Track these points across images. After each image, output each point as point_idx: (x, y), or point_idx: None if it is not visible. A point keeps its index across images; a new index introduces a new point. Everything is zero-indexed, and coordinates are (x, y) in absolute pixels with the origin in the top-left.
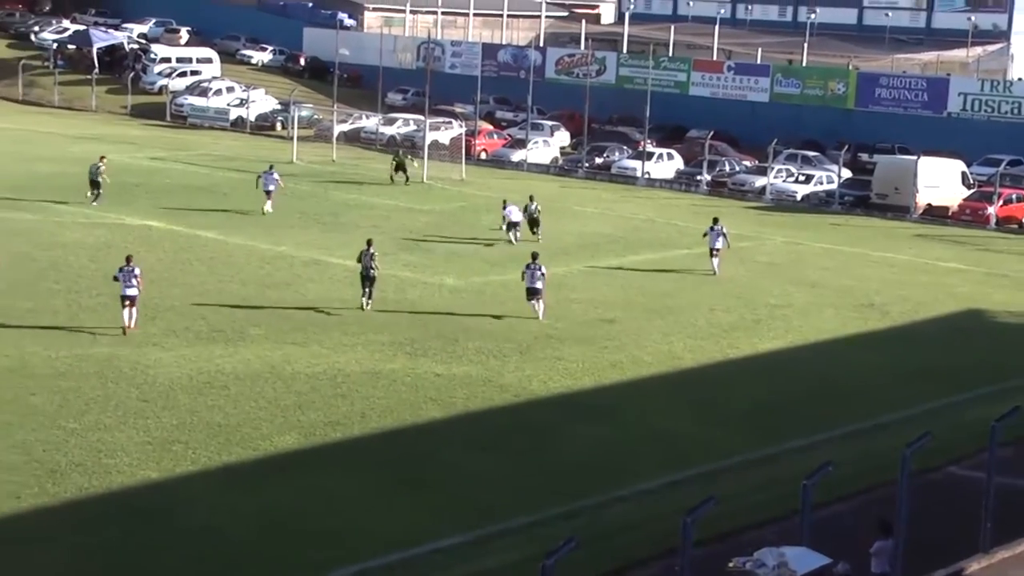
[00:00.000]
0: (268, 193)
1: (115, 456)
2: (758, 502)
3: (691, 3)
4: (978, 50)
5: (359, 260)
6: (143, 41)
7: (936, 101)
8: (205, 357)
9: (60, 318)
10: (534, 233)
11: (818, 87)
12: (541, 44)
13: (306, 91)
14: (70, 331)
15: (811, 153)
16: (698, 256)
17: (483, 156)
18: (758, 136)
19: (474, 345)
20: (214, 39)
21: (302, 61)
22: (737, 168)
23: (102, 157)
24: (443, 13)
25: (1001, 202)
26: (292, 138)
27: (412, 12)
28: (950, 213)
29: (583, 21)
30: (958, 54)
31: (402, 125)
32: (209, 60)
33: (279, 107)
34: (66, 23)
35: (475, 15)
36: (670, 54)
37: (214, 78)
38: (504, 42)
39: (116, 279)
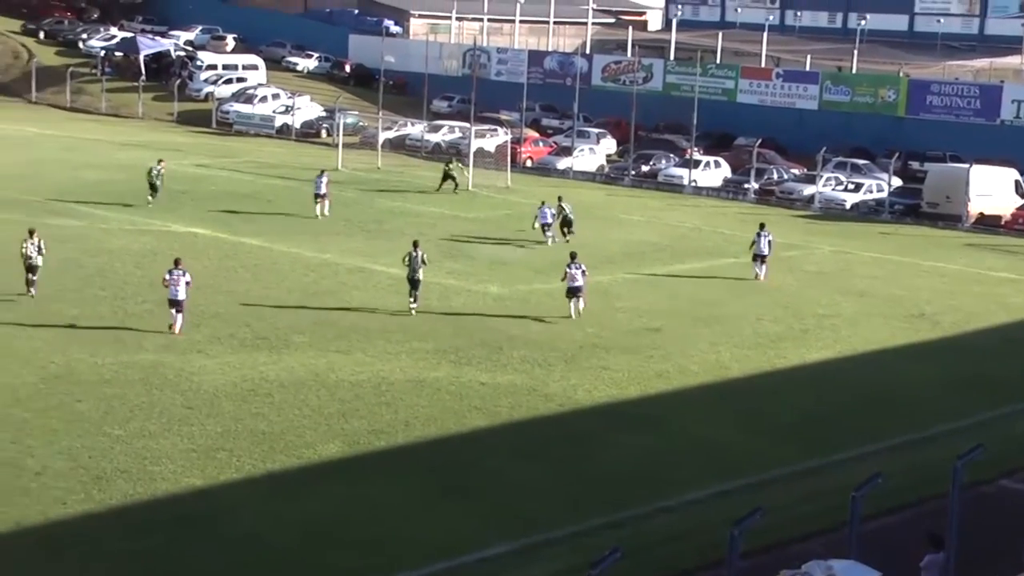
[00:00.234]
0: (318, 196)
1: (160, 463)
2: (805, 514)
3: (739, 10)
4: None
5: (406, 262)
6: (190, 48)
7: (989, 108)
8: (249, 364)
9: (106, 324)
10: (564, 234)
11: (868, 94)
12: (587, 51)
13: (351, 98)
14: (116, 338)
15: (861, 161)
16: (745, 265)
17: (528, 164)
18: (807, 144)
19: (519, 354)
20: (260, 46)
21: (347, 68)
22: (785, 176)
23: (160, 160)
24: (489, 20)
25: None
26: (337, 145)
27: (458, 19)
28: (1003, 222)
29: (630, 28)
30: (1011, 61)
31: (447, 132)
32: (255, 67)
33: (324, 114)
34: (114, 30)
35: (521, 22)
36: (718, 61)
37: (260, 85)
38: (550, 49)
39: (165, 284)
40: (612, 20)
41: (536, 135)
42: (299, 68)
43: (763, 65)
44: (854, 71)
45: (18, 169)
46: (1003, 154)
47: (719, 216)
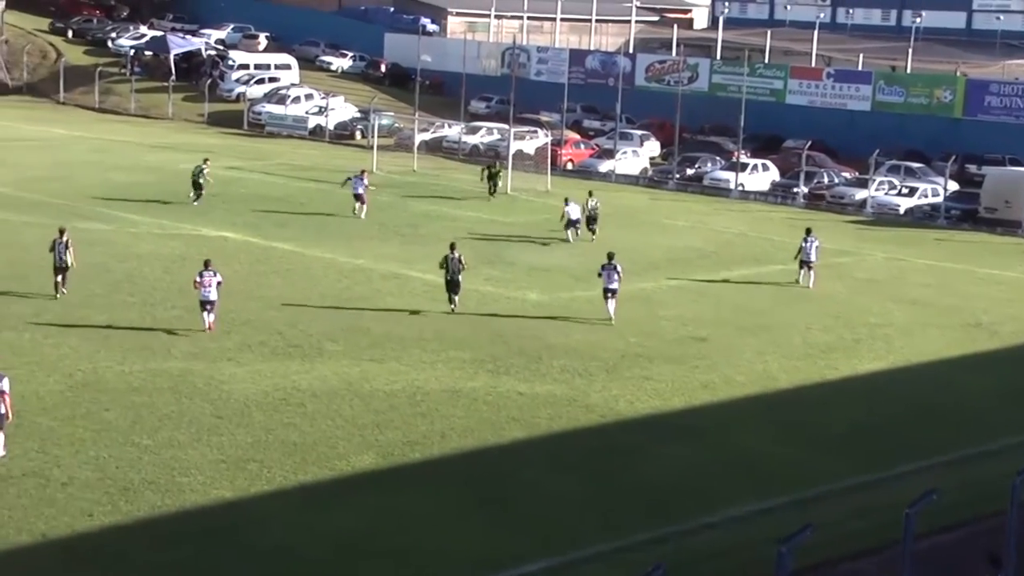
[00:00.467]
0: (357, 197)
1: (189, 474)
2: (856, 531)
3: (788, 7)
4: None
5: (442, 265)
6: (221, 47)
7: None
8: (281, 373)
9: (134, 331)
10: (590, 231)
11: (923, 95)
12: (631, 50)
13: (387, 99)
14: (144, 345)
15: (915, 164)
16: (794, 272)
17: (569, 167)
18: (859, 146)
19: (558, 363)
20: (293, 45)
21: (383, 68)
22: (836, 180)
23: (206, 159)
24: (529, 18)
25: None
26: (372, 147)
27: (497, 17)
28: None
29: (675, 26)
30: None
31: (485, 134)
32: (288, 67)
33: (359, 115)
34: (143, 29)
35: (562, 20)
36: (766, 60)
37: (292, 85)
38: (592, 48)
39: (196, 283)
40: (656, 18)
41: (577, 137)
42: (333, 68)
43: (813, 65)
44: (908, 71)
45: (46, 171)
46: None
47: (766, 221)
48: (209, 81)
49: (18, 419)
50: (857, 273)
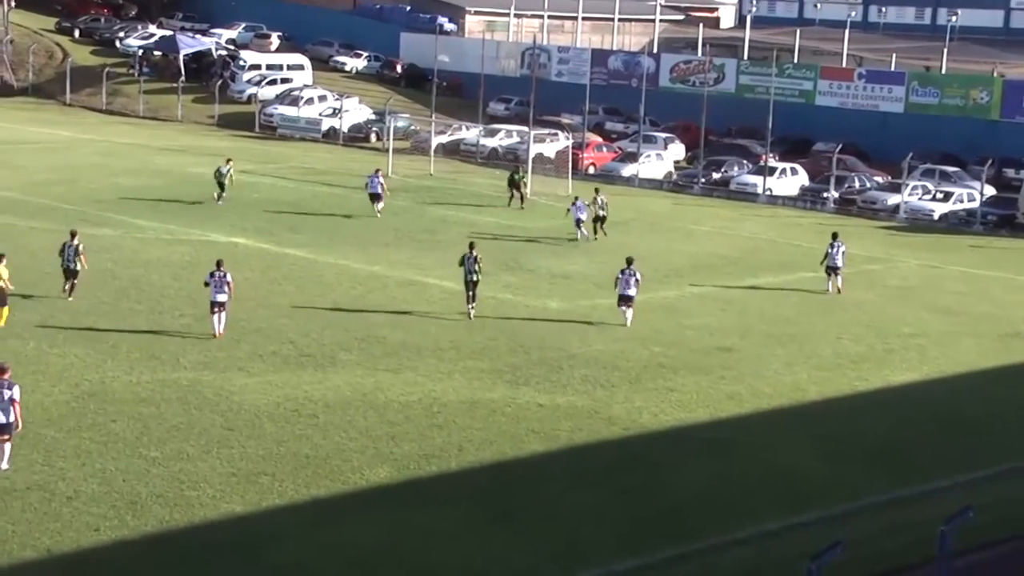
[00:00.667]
0: (374, 196)
1: (198, 488)
2: (890, 548)
3: (818, 5)
4: None
5: (461, 264)
6: (232, 47)
7: None
8: (293, 383)
9: (142, 340)
10: (595, 230)
11: (959, 96)
12: (655, 50)
13: (403, 100)
14: (152, 354)
15: (950, 168)
16: (824, 280)
17: (591, 170)
18: (891, 150)
19: (580, 374)
20: (306, 45)
21: (399, 68)
22: (868, 184)
23: (228, 160)
24: (549, 17)
25: None
26: (387, 150)
27: (516, 16)
28: None
29: (700, 25)
30: None
31: (504, 137)
32: (300, 67)
33: (374, 117)
34: (152, 28)
35: (584, 19)
36: (795, 60)
37: (305, 86)
38: (615, 48)
39: (207, 284)
40: (681, 17)
41: (599, 140)
42: (347, 68)
43: (844, 65)
44: (943, 71)
45: (52, 175)
46: None
47: (795, 227)
48: (220, 82)
49: (22, 430)
50: (889, 281)
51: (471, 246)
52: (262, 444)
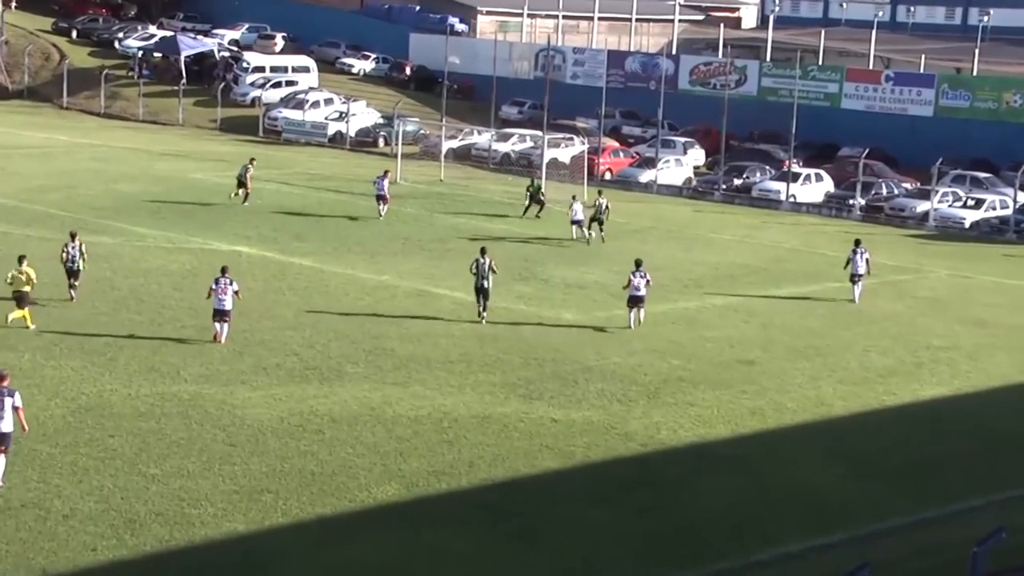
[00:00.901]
0: (380, 199)
1: (199, 506)
2: (920, 570)
3: (844, 5)
4: None
5: (473, 270)
6: (235, 49)
7: None
8: (298, 397)
9: (141, 352)
10: (591, 231)
11: (991, 99)
12: (674, 51)
13: (412, 103)
14: (152, 367)
15: (982, 175)
16: (849, 291)
17: (607, 176)
18: (920, 155)
19: (596, 388)
20: (312, 46)
21: (408, 70)
22: (895, 191)
23: (252, 159)
24: (564, 17)
25: None
26: (396, 155)
27: (530, 16)
28: None
29: (721, 26)
30: None
31: (517, 142)
32: (306, 69)
33: (382, 121)
34: (152, 29)
35: (600, 19)
36: (820, 62)
37: (311, 89)
38: (632, 49)
39: (211, 291)
40: (701, 17)
41: (616, 145)
42: (354, 70)
43: (871, 67)
44: (975, 73)
45: (48, 181)
46: None
47: (820, 235)
48: (222, 85)
49: (17, 446)
50: (918, 291)
51: (482, 251)
52: (266, 460)
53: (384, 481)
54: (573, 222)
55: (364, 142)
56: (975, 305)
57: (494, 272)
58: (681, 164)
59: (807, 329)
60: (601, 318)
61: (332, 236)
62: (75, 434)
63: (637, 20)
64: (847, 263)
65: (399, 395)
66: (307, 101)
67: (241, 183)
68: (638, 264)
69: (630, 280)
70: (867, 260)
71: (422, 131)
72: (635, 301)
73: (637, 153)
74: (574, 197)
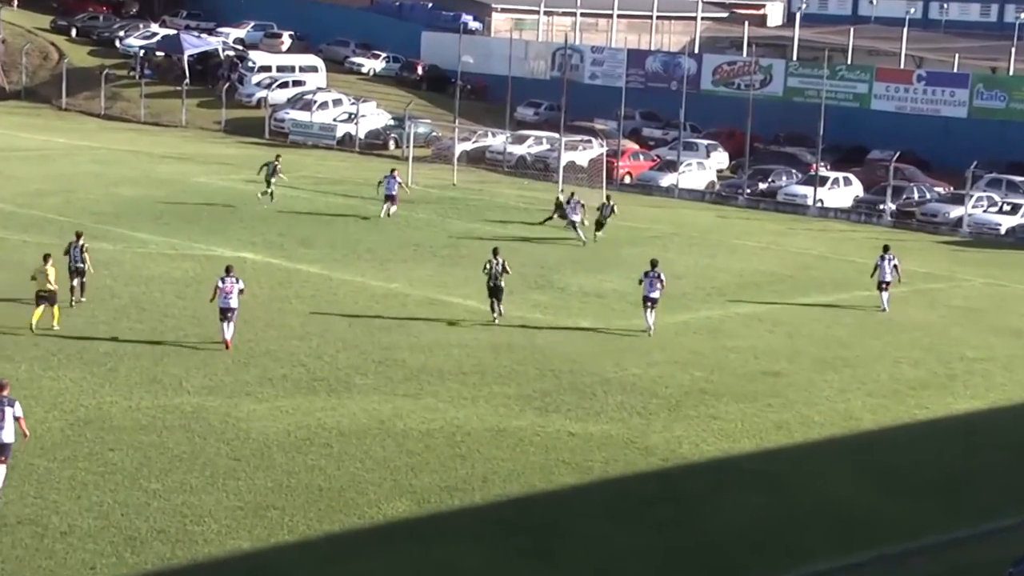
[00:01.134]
0: (389, 198)
1: (202, 523)
2: None
3: (874, 2)
4: None
5: (485, 270)
6: (240, 47)
7: None
8: (305, 410)
9: (143, 363)
10: (598, 233)
11: None
12: (696, 50)
13: (424, 104)
14: (153, 378)
15: (1018, 178)
16: (879, 299)
17: (627, 180)
18: (953, 158)
19: (615, 400)
20: (320, 45)
21: (420, 70)
22: (928, 196)
23: (278, 156)
24: (582, 15)
25: None
26: (407, 158)
27: (547, 13)
28: None
29: (746, 23)
30: None
31: (533, 144)
32: (314, 69)
33: (393, 123)
34: (154, 27)
35: (619, 17)
36: (848, 61)
37: (319, 89)
38: (653, 48)
39: (217, 290)
40: (725, 14)
41: (636, 147)
42: (364, 70)
43: (902, 66)
44: (1011, 72)
45: (46, 185)
46: None
47: (848, 242)
48: (227, 85)
49: (14, 459)
50: (952, 300)
51: (495, 251)
52: (271, 475)
53: (394, 497)
54: (570, 221)
55: (374, 144)
56: (1011, 315)
57: (507, 272)
58: (704, 167)
59: (835, 339)
60: (620, 327)
61: (340, 242)
62: (74, 448)
63: (658, 18)
64: (875, 270)
65: (410, 407)
66: (315, 102)
67: (269, 181)
68: (653, 264)
69: (641, 280)
70: (896, 267)
71: (434, 133)
72: (648, 302)
73: (658, 156)
74: (572, 194)
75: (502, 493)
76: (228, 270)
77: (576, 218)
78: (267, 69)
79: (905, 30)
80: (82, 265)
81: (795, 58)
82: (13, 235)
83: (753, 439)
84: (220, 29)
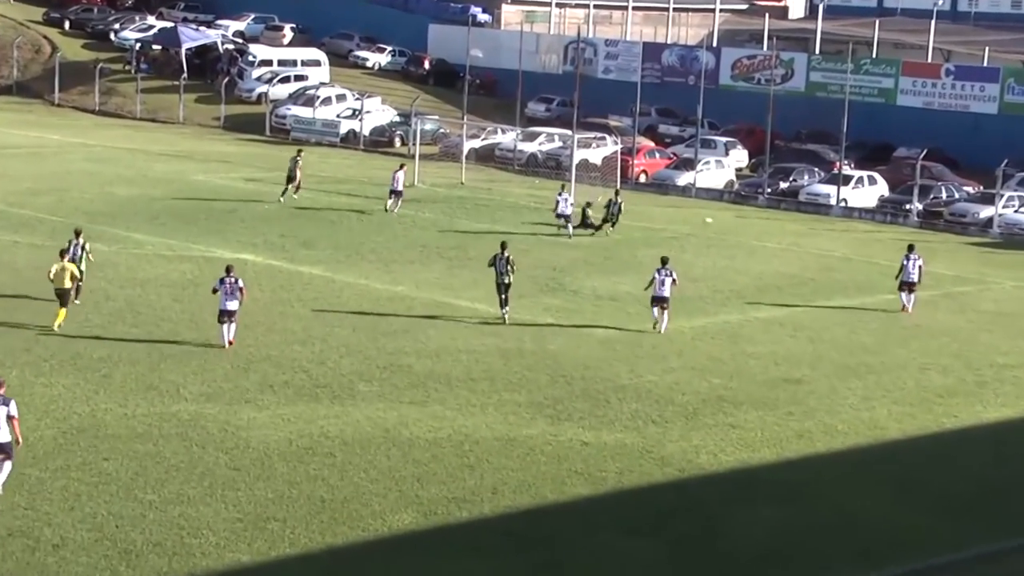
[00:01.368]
0: (395, 193)
1: (200, 535)
2: None
3: None
4: None
5: (491, 265)
6: (240, 41)
7: None
8: (307, 418)
9: (138, 369)
10: (599, 228)
11: None
12: (714, 43)
13: (431, 100)
14: (150, 384)
15: None
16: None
17: (642, 179)
18: (983, 156)
19: (629, 408)
20: (323, 38)
21: (426, 64)
22: (956, 195)
23: (300, 151)
24: (596, 6)
25: None
26: (413, 156)
27: (559, 5)
28: None
29: (766, 16)
30: None
31: (545, 141)
32: (316, 63)
33: (398, 119)
34: (151, 20)
35: (634, 9)
36: (873, 55)
37: (322, 84)
38: (669, 41)
39: (215, 291)
40: (744, 6)
41: (651, 145)
42: (369, 64)
43: (929, 60)
44: None
45: (38, 184)
46: None
47: (874, 243)
48: (226, 80)
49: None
50: (981, 304)
51: (503, 246)
52: (272, 486)
53: (400, 508)
54: (558, 215)
55: (379, 142)
56: None
57: (514, 268)
58: (722, 166)
59: (859, 345)
60: (635, 332)
61: (344, 243)
62: (67, 457)
63: (675, 9)
64: (900, 270)
65: (416, 415)
66: (318, 97)
67: (290, 177)
68: (664, 261)
69: (653, 278)
70: (920, 268)
71: (442, 130)
72: (658, 301)
73: (674, 154)
74: (563, 187)
75: (512, 505)
76: (228, 270)
77: (567, 212)
78: (268, 63)
79: (933, 22)
80: (82, 266)
81: (818, 52)
82: (4, 235)
83: (773, 449)
84: (219, 22)
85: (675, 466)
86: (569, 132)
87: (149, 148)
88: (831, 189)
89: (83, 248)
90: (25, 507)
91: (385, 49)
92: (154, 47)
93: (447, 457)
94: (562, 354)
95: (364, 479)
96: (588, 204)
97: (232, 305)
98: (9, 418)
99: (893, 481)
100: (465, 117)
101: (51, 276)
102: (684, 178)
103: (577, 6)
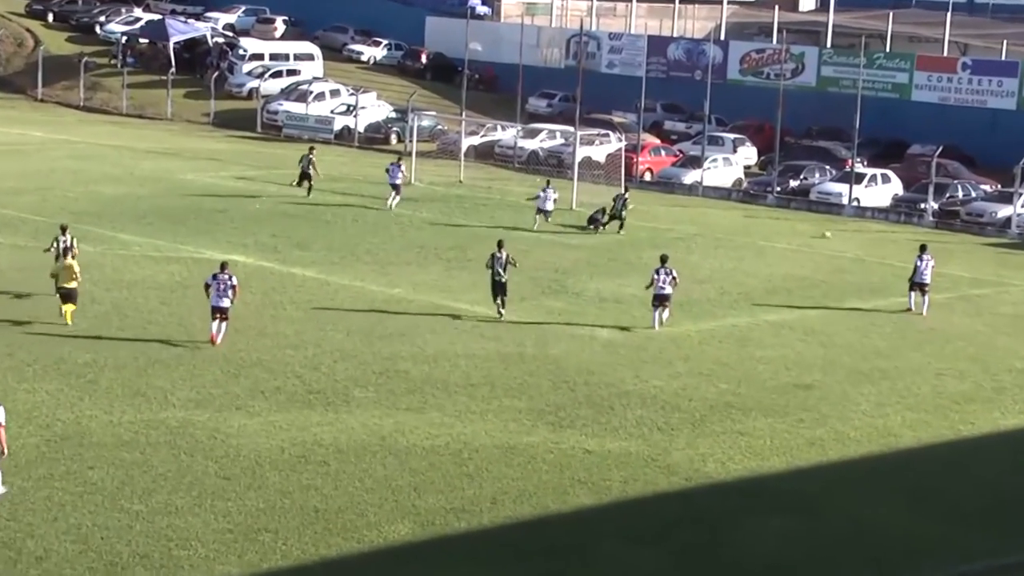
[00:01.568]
0: (394, 187)
1: (188, 547)
2: None
3: None
4: None
5: (489, 266)
6: (230, 34)
7: None
8: (300, 425)
9: (125, 374)
10: (602, 228)
11: None
12: (722, 37)
13: (428, 95)
14: (137, 390)
15: None
16: (919, 305)
17: (647, 177)
18: (1001, 153)
19: (634, 415)
20: (316, 31)
21: (423, 58)
22: (973, 194)
23: (312, 147)
24: None
25: None
26: (410, 153)
27: None
28: None
29: (776, 8)
30: None
31: (546, 138)
32: (310, 57)
33: (394, 115)
34: (138, 12)
35: (639, 1)
36: (887, 48)
37: (315, 79)
38: (675, 34)
39: (207, 287)
40: None
41: (657, 142)
42: (364, 58)
43: (945, 53)
44: None
45: (20, 182)
46: None
47: (887, 244)
48: (216, 74)
49: None
50: (999, 307)
51: (499, 245)
52: (263, 496)
53: (396, 519)
54: (540, 210)
55: (374, 138)
56: None
57: (513, 265)
58: (730, 163)
59: (872, 349)
60: (640, 336)
61: (339, 244)
62: (50, 466)
63: (681, 2)
64: (913, 271)
65: (413, 423)
66: (311, 93)
67: (305, 175)
68: (663, 260)
69: (654, 278)
70: (932, 268)
71: (439, 126)
72: (660, 300)
73: (680, 151)
74: (548, 182)
75: (512, 515)
76: (223, 266)
77: (548, 208)
78: (259, 57)
79: (949, 14)
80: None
81: (829, 45)
82: None
83: (783, 457)
84: (208, 14)
85: (681, 475)
86: (571, 129)
87: (136, 145)
88: (843, 188)
89: (70, 245)
90: (7, 518)
91: (381, 42)
92: (141, 40)
93: (445, 466)
94: (564, 359)
95: (359, 488)
96: (602, 210)
97: (224, 303)
98: None
99: (906, 490)
100: (464, 113)
101: (52, 274)
102: (691, 176)
103: None
